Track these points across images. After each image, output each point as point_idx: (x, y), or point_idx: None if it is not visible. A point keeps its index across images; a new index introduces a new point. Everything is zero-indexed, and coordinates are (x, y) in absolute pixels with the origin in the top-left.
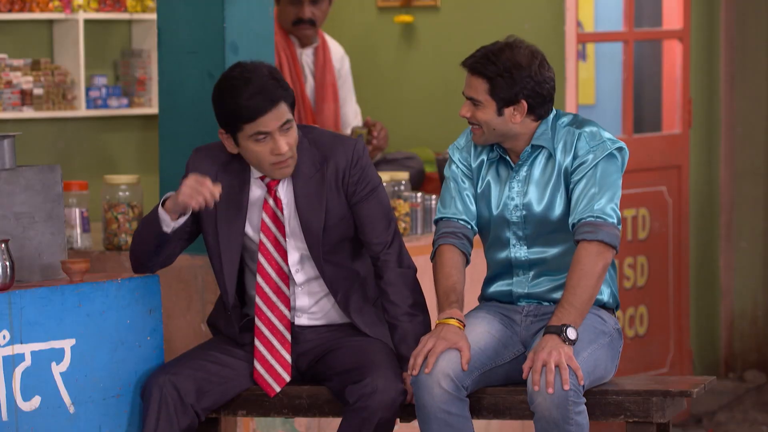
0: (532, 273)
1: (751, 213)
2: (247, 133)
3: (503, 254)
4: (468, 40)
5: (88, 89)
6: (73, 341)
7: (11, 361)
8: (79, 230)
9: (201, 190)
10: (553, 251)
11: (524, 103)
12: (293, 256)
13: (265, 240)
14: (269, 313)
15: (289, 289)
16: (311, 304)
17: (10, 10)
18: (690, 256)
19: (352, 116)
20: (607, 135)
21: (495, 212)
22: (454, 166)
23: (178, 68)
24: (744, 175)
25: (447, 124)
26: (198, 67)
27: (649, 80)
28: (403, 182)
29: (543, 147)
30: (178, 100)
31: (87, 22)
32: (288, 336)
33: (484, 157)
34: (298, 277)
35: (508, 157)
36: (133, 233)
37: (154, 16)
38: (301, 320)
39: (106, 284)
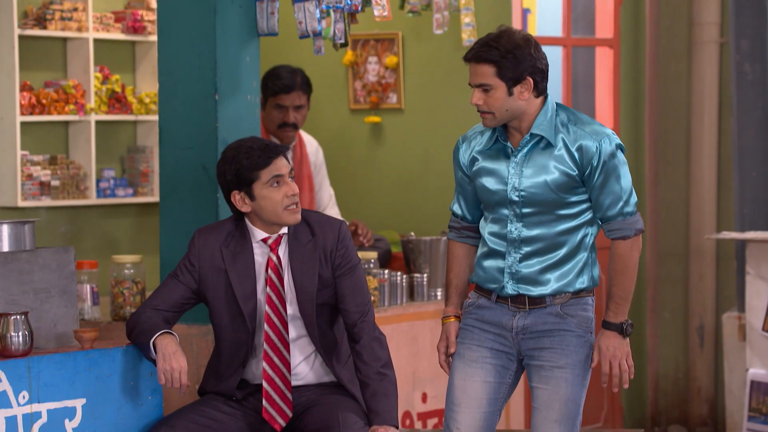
0: (523, 251)
1: (672, 288)
2: (264, 180)
3: (500, 230)
4: (429, 137)
5: (98, 180)
6: (83, 400)
7: (30, 418)
8: (89, 303)
9: (173, 383)
10: (546, 231)
11: (530, 80)
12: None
13: (271, 293)
14: (275, 358)
15: (289, 336)
16: (299, 362)
17: (31, 113)
18: None
19: (327, 198)
20: (607, 129)
21: (496, 193)
22: (456, 169)
23: (177, 162)
24: (666, 256)
25: (411, 210)
26: (194, 160)
27: None
28: (372, 261)
29: (541, 136)
30: (176, 190)
31: (98, 122)
32: (289, 377)
33: (482, 147)
34: (290, 332)
35: (508, 143)
36: (130, 322)
37: (156, 117)
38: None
39: (113, 350)
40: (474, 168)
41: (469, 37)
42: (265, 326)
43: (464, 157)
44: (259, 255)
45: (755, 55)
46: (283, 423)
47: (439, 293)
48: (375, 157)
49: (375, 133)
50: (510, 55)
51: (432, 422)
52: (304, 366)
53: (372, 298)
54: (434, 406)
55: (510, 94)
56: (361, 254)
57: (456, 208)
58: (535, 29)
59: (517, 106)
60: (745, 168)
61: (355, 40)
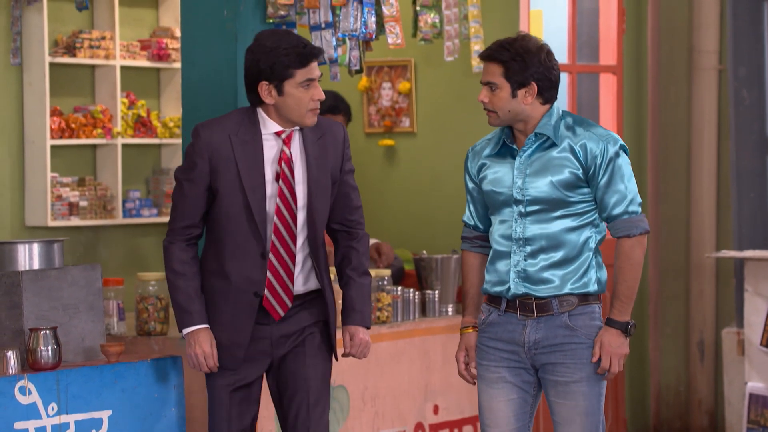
0: (528, 250)
1: (673, 304)
2: (298, 80)
3: (506, 230)
4: (440, 159)
5: (124, 201)
6: (110, 412)
7: (58, 429)
8: (115, 319)
9: (202, 367)
10: (549, 229)
11: (534, 86)
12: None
13: (283, 186)
14: (281, 250)
15: (296, 228)
16: (300, 259)
17: (61, 137)
18: None
19: None
20: (612, 132)
21: (501, 193)
22: (467, 178)
23: None
24: (668, 273)
25: (423, 229)
26: None
27: None
28: (386, 278)
29: (546, 136)
30: None
31: (124, 146)
32: (293, 269)
33: (489, 152)
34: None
35: (514, 146)
36: (165, 255)
37: (179, 140)
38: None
39: (138, 364)
40: (482, 173)
41: (478, 63)
42: (275, 218)
43: (473, 165)
44: (269, 147)
45: (752, 81)
46: (281, 312)
47: (449, 309)
48: (388, 178)
49: (389, 155)
50: (519, 59)
51: None
52: (300, 272)
53: (385, 314)
54: (445, 417)
55: (513, 96)
56: (374, 272)
57: (467, 218)
58: None
59: (520, 109)
60: (743, 189)
61: (370, 67)
